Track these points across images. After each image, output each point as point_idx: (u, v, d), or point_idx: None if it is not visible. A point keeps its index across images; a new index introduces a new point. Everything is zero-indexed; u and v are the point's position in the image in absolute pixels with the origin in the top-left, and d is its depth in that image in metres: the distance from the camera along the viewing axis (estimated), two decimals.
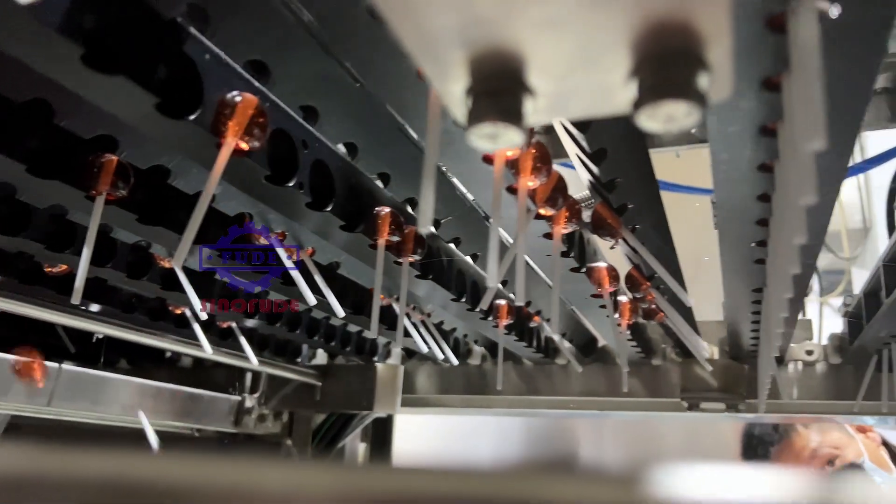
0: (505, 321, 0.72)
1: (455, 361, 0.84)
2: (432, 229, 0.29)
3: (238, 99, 0.34)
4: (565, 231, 0.46)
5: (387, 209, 0.49)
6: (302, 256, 0.53)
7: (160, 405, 0.89)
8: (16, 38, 0.27)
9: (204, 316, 0.58)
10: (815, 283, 1.92)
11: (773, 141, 0.31)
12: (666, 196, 0.54)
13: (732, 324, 0.72)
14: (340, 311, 0.54)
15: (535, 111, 0.19)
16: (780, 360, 0.91)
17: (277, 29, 0.29)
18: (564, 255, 0.51)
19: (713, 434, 1.72)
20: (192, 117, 0.33)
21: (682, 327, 0.63)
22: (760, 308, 0.60)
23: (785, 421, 1.31)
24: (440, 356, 0.78)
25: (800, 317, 1.87)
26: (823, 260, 1.91)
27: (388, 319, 0.74)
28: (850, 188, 1.94)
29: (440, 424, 1.61)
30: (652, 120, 0.17)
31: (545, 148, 0.39)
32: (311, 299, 0.53)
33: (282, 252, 0.51)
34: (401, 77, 0.31)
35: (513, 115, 0.19)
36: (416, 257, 0.52)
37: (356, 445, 1.21)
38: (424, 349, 0.75)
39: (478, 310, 0.68)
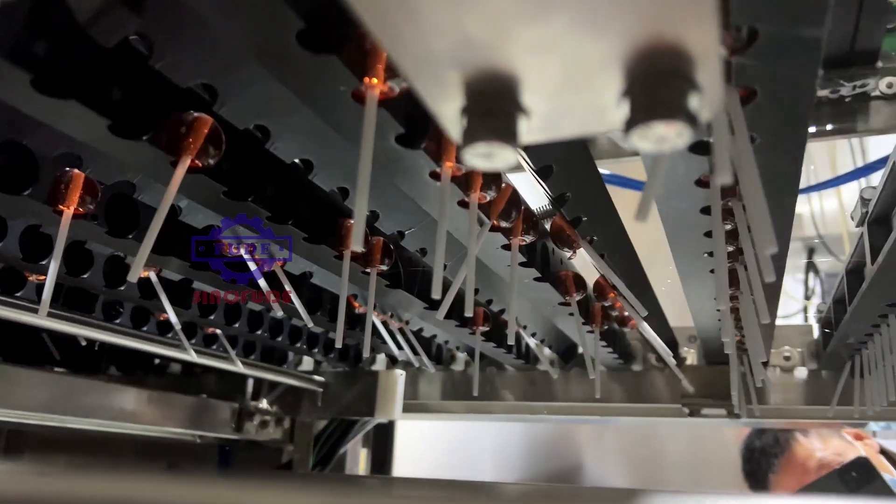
0: (481, 328, 0.73)
1: (432, 368, 0.86)
2: (361, 249, 0.30)
3: (192, 118, 0.36)
4: (522, 242, 0.47)
5: (351, 221, 0.50)
6: (273, 267, 0.54)
7: (162, 412, 0.89)
8: None
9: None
10: (816, 286, 1.92)
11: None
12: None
13: (702, 331, 0.72)
14: (310, 321, 0.55)
15: (529, 130, 0.19)
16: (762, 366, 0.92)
17: (221, 55, 0.30)
18: (525, 265, 0.52)
19: (715, 439, 1.73)
20: (145, 137, 0.34)
21: (648, 334, 0.64)
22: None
23: (782, 426, 1.31)
24: (416, 363, 0.79)
25: (801, 321, 1.88)
26: (825, 263, 1.91)
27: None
28: (852, 192, 1.94)
29: (442, 430, 1.61)
30: (644, 140, 0.18)
31: None
32: (309, 322, 0.54)
33: (251, 264, 0.52)
34: (336, 100, 0.31)
35: (507, 135, 0.19)
36: (384, 267, 0.54)
37: (358, 451, 1.21)
38: (401, 356, 0.76)
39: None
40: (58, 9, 0.28)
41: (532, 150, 0.40)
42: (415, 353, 0.79)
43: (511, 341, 0.51)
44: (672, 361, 0.70)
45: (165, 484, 0.78)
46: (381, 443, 1.28)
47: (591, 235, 0.51)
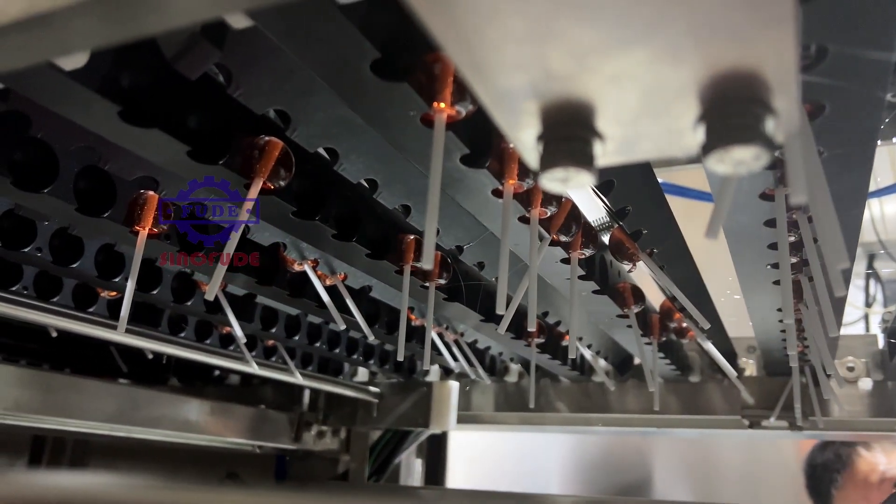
0: (537, 339, 0.73)
1: (487, 380, 0.86)
2: (431, 267, 0.31)
3: (264, 142, 0.37)
4: (582, 256, 0.48)
5: (411, 237, 0.51)
6: (334, 281, 0.56)
7: (223, 423, 0.91)
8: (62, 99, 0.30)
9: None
10: (877, 293, 1.87)
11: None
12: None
13: (763, 342, 0.71)
14: (370, 334, 0.56)
15: (604, 154, 0.20)
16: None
17: (295, 83, 0.32)
18: (584, 278, 0.53)
19: (773, 452, 1.69)
20: (221, 162, 0.36)
21: (707, 346, 0.63)
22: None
23: (843, 438, 1.28)
24: (472, 375, 0.80)
25: (862, 329, 1.82)
26: (886, 269, 1.85)
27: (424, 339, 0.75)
28: None
29: (496, 441, 1.61)
30: (722, 164, 0.18)
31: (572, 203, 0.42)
32: (341, 323, 0.56)
33: (315, 278, 0.54)
34: (404, 123, 0.32)
35: (583, 160, 0.19)
36: (442, 281, 0.55)
37: (412, 462, 1.22)
38: (456, 367, 0.76)
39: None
40: (146, 46, 0.30)
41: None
42: (470, 364, 0.80)
43: (572, 355, 0.51)
44: (733, 373, 0.69)
45: (234, 496, 0.80)
46: (435, 453, 1.29)
47: (652, 248, 0.51)
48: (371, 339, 0.57)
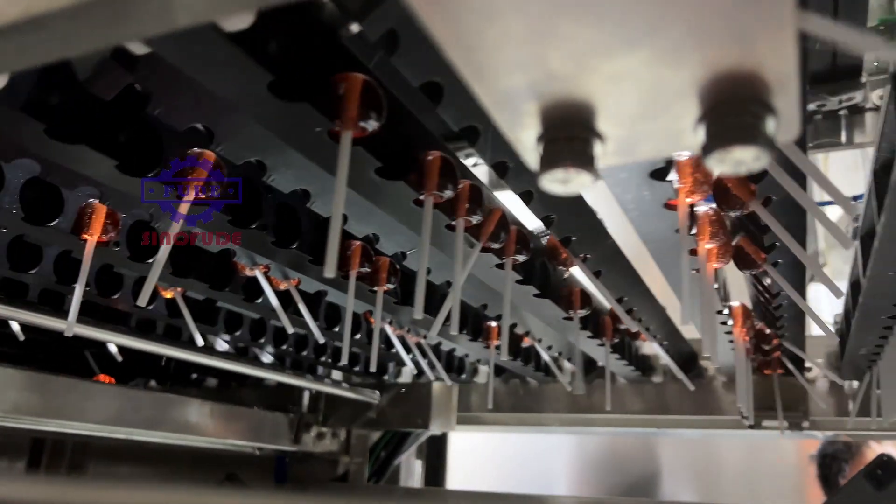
0: (495, 342, 0.75)
1: (448, 381, 0.88)
2: (332, 275, 0.33)
3: (196, 153, 0.38)
4: (516, 261, 0.50)
5: (357, 243, 0.52)
6: (287, 286, 0.57)
7: (223, 425, 0.91)
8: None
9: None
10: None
11: None
12: None
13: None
14: (321, 337, 0.57)
15: (604, 154, 0.20)
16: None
17: (210, 101, 0.33)
18: (523, 282, 0.55)
19: (774, 451, 1.69)
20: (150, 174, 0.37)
21: (655, 348, 0.64)
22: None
23: (855, 439, 1.28)
24: (431, 377, 0.81)
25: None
26: None
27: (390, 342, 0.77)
28: None
29: (495, 441, 1.61)
30: (722, 164, 0.18)
31: (478, 189, 0.43)
32: (289, 327, 0.57)
33: (265, 283, 0.55)
34: (318, 139, 0.34)
35: (584, 160, 0.19)
36: (390, 286, 0.56)
37: (412, 463, 1.22)
38: (414, 370, 0.76)
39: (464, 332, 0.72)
40: (63, 69, 0.30)
41: (512, 177, 0.41)
42: (431, 366, 0.81)
43: (504, 357, 0.53)
44: (681, 374, 0.69)
45: (234, 498, 0.80)
46: (435, 454, 1.29)
47: (585, 254, 0.52)
48: (321, 341, 0.59)
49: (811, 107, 0.74)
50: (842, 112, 0.76)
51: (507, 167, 0.39)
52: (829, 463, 1.42)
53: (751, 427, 0.89)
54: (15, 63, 0.17)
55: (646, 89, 0.18)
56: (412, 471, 1.21)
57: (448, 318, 0.43)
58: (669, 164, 0.35)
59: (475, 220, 0.43)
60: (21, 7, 0.16)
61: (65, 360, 0.97)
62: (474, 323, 0.73)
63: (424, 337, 0.78)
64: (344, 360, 0.54)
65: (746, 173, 0.18)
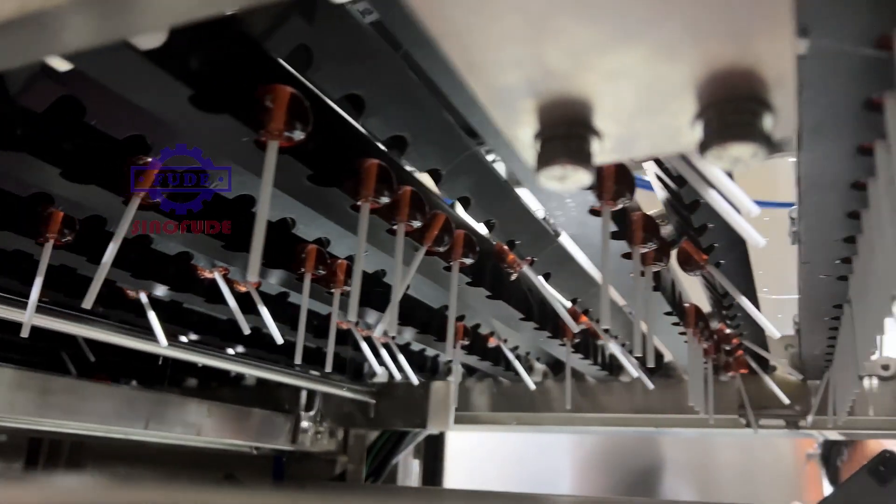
0: (462, 342, 0.75)
1: (415, 381, 0.88)
2: (257, 280, 0.34)
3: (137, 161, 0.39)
4: (463, 264, 0.51)
5: (310, 246, 0.52)
6: (248, 288, 0.58)
7: (221, 424, 0.91)
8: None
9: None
10: None
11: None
12: None
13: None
14: (279, 338, 0.57)
15: (601, 152, 0.20)
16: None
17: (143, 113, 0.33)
18: (473, 284, 0.57)
19: (771, 447, 1.69)
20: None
21: (611, 346, 0.64)
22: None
23: (852, 438, 1.28)
24: (398, 376, 0.82)
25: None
26: None
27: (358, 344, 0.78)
28: None
29: (494, 440, 1.61)
30: (719, 161, 0.18)
31: (419, 195, 0.44)
32: (245, 328, 0.57)
33: (224, 285, 0.56)
34: (249, 149, 0.35)
35: (581, 157, 0.19)
36: (347, 287, 0.56)
37: (409, 462, 1.22)
38: (379, 370, 0.79)
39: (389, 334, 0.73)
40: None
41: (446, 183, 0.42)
42: (398, 367, 0.81)
43: (449, 356, 0.53)
44: (633, 373, 0.69)
45: (232, 497, 0.80)
46: (433, 454, 1.29)
47: (532, 257, 0.52)
48: (279, 341, 0.59)
49: None
50: None
51: (440, 174, 0.40)
52: (831, 445, 1.45)
53: (747, 426, 0.89)
54: (10, 60, 0.17)
55: (643, 86, 0.18)
56: (410, 470, 1.21)
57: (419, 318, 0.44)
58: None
59: (416, 224, 0.44)
60: (17, 3, 0.16)
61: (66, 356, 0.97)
62: (438, 324, 0.74)
63: (393, 338, 0.80)
64: (297, 360, 0.55)
65: (744, 169, 0.18)
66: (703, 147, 0.18)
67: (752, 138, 0.17)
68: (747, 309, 0.53)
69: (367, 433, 1.10)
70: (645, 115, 0.19)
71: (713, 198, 0.35)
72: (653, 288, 0.53)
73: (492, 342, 0.80)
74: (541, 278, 0.54)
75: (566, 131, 0.19)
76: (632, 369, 0.75)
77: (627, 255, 0.47)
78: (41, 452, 1.15)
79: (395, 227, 0.44)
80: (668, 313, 0.62)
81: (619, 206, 0.40)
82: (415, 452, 1.23)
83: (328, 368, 0.57)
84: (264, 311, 0.57)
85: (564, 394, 0.85)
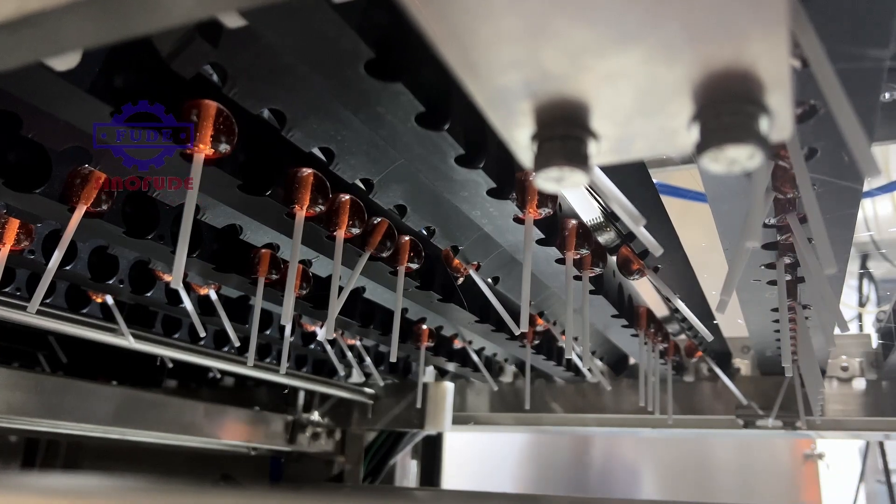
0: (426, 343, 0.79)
1: (381, 381, 0.89)
2: (179, 287, 0.35)
3: (87, 171, 0.41)
4: (409, 269, 0.54)
5: (263, 250, 0.53)
6: (207, 291, 0.60)
7: (218, 425, 0.91)
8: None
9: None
10: (871, 293, 1.88)
11: None
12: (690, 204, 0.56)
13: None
14: (236, 341, 0.59)
15: (598, 153, 0.20)
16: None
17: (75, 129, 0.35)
18: (422, 288, 0.59)
19: (769, 450, 1.69)
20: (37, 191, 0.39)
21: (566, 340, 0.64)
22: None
23: (839, 438, 1.29)
24: (360, 377, 0.83)
25: (856, 331, 1.83)
26: (880, 269, 1.86)
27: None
28: None
29: (490, 441, 1.61)
30: (716, 163, 0.18)
31: (358, 203, 0.46)
32: (201, 330, 0.59)
33: (181, 289, 0.55)
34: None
35: (578, 159, 0.19)
36: (303, 291, 0.59)
37: (407, 463, 1.22)
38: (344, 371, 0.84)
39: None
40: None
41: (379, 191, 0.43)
42: (363, 368, 0.82)
43: (393, 358, 0.56)
44: (563, 374, 0.70)
45: (228, 498, 0.80)
46: (430, 454, 1.29)
47: (478, 262, 0.54)
48: (237, 344, 0.61)
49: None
50: None
51: (372, 184, 0.42)
52: None
53: (745, 427, 0.89)
54: (9, 60, 0.17)
55: (640, 88, 0.18)
56: (407, 471, 1.21)
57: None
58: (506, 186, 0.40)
59: (355, 231, 0.47)
60: (16, 4, 0.16)
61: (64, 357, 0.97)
62: (405, 327, 0.77)
63: (361, 339, 0.81)
64: (250, 363, 0.57)
65: (740, 172, 0.18)
66: (700, 149, 0.18)
67: (749, 140, 0.17)
68: (683, 312, 0.54)
69: (365, 434, 1.10)
70: (642, 116, 0.19)
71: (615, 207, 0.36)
72: (591, 291, 0.55)
73: (457, 344, 0.83)
74: (482, 282, 0.56)
75: (563, 133, 0.19)
76: (588, 372, 0.76)
77: (561, 261, 0.50)
78: (38, 453, 1.14)
79: (334, 234, 0.46)
80: (615, 316, 0.64)
81: (543, 216, 0.42)
82: (412, 453, 1.23)
83: (282, 370, 0.58)
84: (222, 314, 0.59)
85: (559, 395, 0.86)
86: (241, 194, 0.40)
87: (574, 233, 0.48)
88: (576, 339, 0.78)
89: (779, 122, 0.18)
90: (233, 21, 0.26)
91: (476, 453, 1.54)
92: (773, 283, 0.48)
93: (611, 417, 1.01)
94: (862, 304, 1.78)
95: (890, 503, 1.55)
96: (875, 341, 0.93)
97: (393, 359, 0.55)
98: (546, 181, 0.20)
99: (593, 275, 0.52)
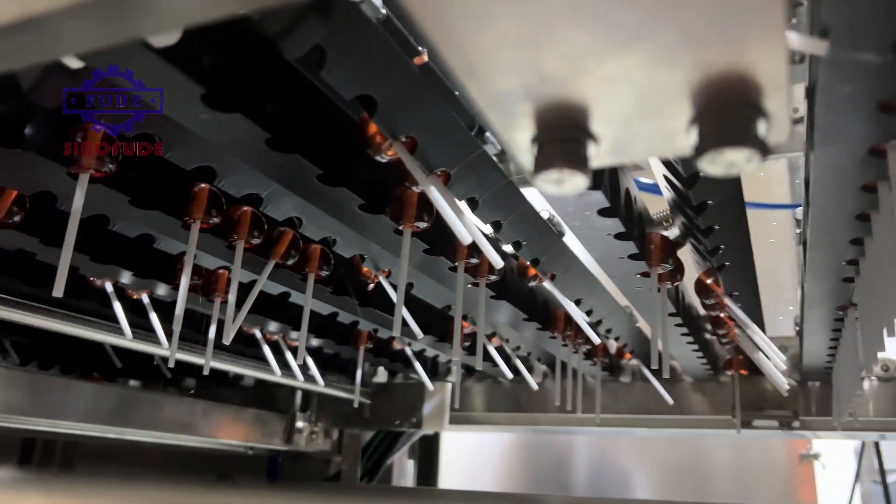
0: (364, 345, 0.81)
1: (321, 381, 0.90)
2: (60, 294, 0.39)
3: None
4: (319, 277, 0.56)
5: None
6: (139, 296, 0.62)
7: (215, 424, 0.91)
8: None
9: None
10: None
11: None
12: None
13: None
14: (124, 340, 0.63)
15: (597, 155, 0.20)
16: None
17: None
18: (336, 293, 0.64)
19: (765, 450, 1.70)
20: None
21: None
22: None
23: (833, 438, 1.29)
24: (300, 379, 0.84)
25: None
26: None
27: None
28: None
29: (489, 440, 1.61)
30: (714, 165, 0.18)
31: (258, 215, 0.48)
32: (129, 333, 0.61)
33: (112, 293, 0.59)
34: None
35: (578, 161, 0.19)
36: (229, 296, 0.59)
37: (404, 462, 1.22)
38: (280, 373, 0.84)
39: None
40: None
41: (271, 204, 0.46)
42: (304, 368, 0.83)
43: (299, 361, 0.60)
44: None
45: (225, 497, 0.80)
46: (428, 454, 1.29)
47: (389, 270, 0.57)
48: (122, 343, 0.64)
49: None
50: None
51: (261, 198, 0.44)
52: None
53: (742, 427, 0.89)
54: (12, 62, 0.17)
55: (639, 91, 0.18)
56: (404, 470, 1.21)
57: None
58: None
59: (255, 241, 0.49)
60: (17, 7, 0.16)
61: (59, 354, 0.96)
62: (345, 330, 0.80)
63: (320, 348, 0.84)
64: (171, 364, 0.58)
65: (739, 174, 0.19)
66: (699, 151, 0.18)
67: (747, 143, 0.18)
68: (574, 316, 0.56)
69: (362, 433, 1.10)
70: (641, 119, 0.19)
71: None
72: (492, 296, 0.58)
73: (395, 346, 0.86)
74: (391, 288, 0.57)
75: (563, 135, 0.20)
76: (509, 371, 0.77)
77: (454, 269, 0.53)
78: (35, 452, 1.14)
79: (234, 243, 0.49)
80: (526, 319, 0.67)
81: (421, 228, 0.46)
82: (409, 453, 1.24)
83: (206, 372, 0.60)
84: (153, 317, 0.62)
85: (564, 394, 0.86)
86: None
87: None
88: (507, 340, 0.79)
89: (776, 124, 0.18)
90: None
91: (473, 453, 1.54)
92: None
93: (608, 418, 1.01)
94: None
95: (885, 503, 1.56)
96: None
97: (298, 361, 0.59)
98: (546, 183, 0.20)
99: (489, 281, 0.56)
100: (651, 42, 0.16)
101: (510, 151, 0.21)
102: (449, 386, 1.03)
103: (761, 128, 0.18)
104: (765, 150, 0.18)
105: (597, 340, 0.67)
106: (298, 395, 1.06)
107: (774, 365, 0.61)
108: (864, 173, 0.33)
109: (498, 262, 0.43)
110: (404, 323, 0.59)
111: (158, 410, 0.86)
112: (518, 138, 0.20)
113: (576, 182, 0.20)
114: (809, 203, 0.38)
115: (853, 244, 0.41)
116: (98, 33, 0.18)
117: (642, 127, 0.19)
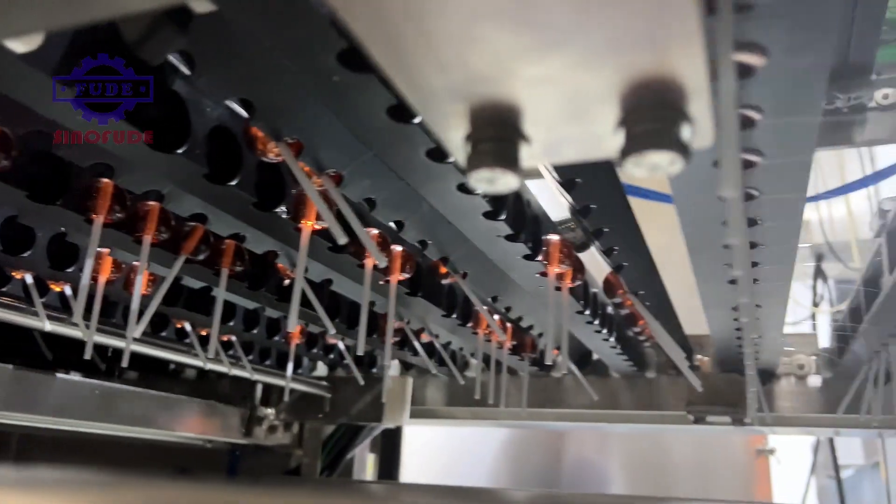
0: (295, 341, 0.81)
1: (288, 382, 0.91)
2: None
3: None
4: (233, 272, 0.57)
5: (105, 251, 0.55)
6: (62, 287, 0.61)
7: (173, 417, 0.90)
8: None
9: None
10: (825, 292, 1.92)
11: None
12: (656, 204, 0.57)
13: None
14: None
15: (529, 156, 0.20)
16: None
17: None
18: (252, 287, 0.63)
19: (722, 446, 1.73)
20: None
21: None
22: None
23: (789, 434, 1.32)
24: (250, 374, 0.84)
25: (809, 330, 1.87)
26: (834, 270, 1.91)
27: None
28: (860, 199, 1.94)
29: (449, 434, 1.62)
30: (638, 167, 0.18)
31: (165, 211, 0.49)
32: (83, 329, 0.60)
33: (70, 292, 0.60)
34: None
35: (509, 161, 0.20)
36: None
37: (365, 456, 1.22)
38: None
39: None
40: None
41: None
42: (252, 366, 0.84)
43: (210, 351, 0.61)
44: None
45: (180, 490, 0.80)
46: (389, 448, 1.29)
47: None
48: (85, 348, 0.61)
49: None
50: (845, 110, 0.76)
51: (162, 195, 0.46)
52: None
53: (696, 422, 0.91)
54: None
55: (567, 93, 0.18)
56: (365, 464, 1.21)
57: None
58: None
59: (163, 236, 0.50)
60: None
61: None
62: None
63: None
64: (123, 364, 0.60)
65: (663, 175, 0.19)
66: (624, 154, 0.18)
67: (670, 147, 0.18)
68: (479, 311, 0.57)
69: (323, 427, 1.10)
70: (570, 121, 0.19)
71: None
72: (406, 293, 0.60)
73: (330, 341, 0.88)
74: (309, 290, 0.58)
75: (496, 135, 0.20)
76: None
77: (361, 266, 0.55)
78: None
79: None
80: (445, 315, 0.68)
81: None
82: (371, 447, 1.24)
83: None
84: (77, 310, 0.60)
85: (521, 389, 0.87)
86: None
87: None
88: (436, 336, 0.81)
89: (700, 128, 0.18)
90: (202, 6, 0.25)
91: (434, 447, 1.54)
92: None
93: (568, 412, 1.02)
94: (816, 304, 1.83)
95: (839, 498, 1.60)
96: (827, 340, 0.96)
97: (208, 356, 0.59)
98: (478, 182, 0.20)
99: (403, 279, 0.58)
100: (577, 46, 0.17)
101: (446, 149, 0.21)
102: (410, 381, 1.04)
103: (685, 132, 0.18)
104: (688, 153, 0.18)
105: (503, 336, 0.72)
106: (259, 388, 1.06)
107: (677, 362, 0.63)
108: None
109: (382, 261, 0.48)
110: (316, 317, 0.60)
111: (113, 403, 0.84)
112: (452, 137, 0.20)
113: (507, 181, 0.20)
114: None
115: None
116: (59, 13, 0.18)
117: (572, 129, 0.20)
